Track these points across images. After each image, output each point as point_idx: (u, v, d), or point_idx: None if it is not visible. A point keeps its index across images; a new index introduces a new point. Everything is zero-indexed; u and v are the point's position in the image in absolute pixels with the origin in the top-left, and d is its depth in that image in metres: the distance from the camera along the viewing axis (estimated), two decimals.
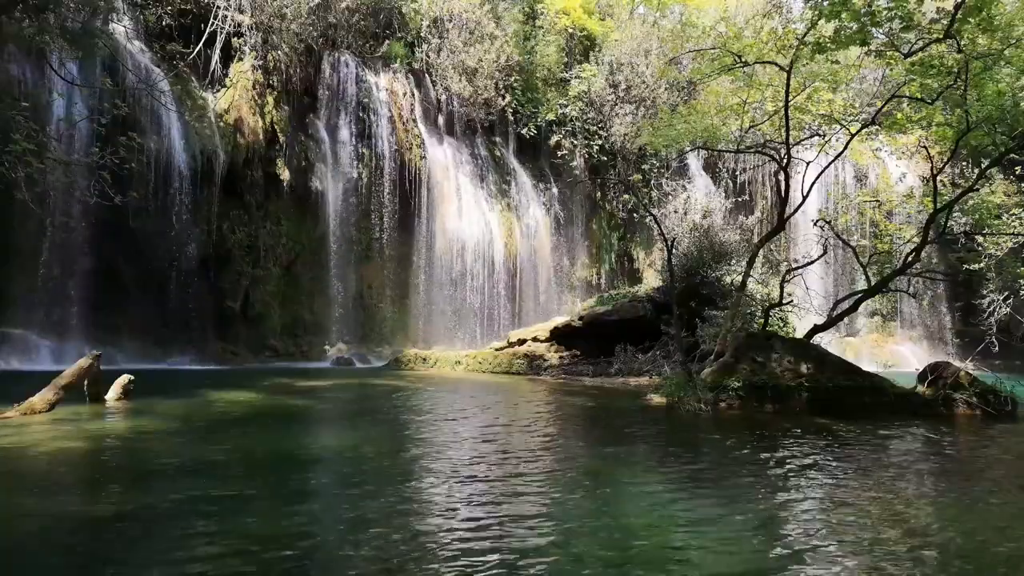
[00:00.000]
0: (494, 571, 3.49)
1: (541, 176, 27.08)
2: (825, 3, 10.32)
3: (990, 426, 9.24)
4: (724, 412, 9.94)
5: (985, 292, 21.66)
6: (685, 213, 20.94)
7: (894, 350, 25.98)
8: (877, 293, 13.64)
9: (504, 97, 25.40)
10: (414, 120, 23.78)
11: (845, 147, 13.76)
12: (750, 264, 13.48)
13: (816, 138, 14.20)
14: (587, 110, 26.70)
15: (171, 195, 18.03)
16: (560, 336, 18.48)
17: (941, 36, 10.44)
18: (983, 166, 12.29)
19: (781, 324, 16.95)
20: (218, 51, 19.89)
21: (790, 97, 12.00)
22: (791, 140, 12.61)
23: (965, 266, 18.72)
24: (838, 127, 13.81)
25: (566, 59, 27.48)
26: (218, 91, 20.06)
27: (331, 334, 21.33)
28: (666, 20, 27.56)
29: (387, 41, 24.14)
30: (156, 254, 17.86)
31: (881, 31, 11.14)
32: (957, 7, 9.90)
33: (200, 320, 18.59)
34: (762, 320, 14.26)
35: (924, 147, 14.38)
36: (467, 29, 24.72)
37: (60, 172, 14.32)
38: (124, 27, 18.35)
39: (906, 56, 11.02)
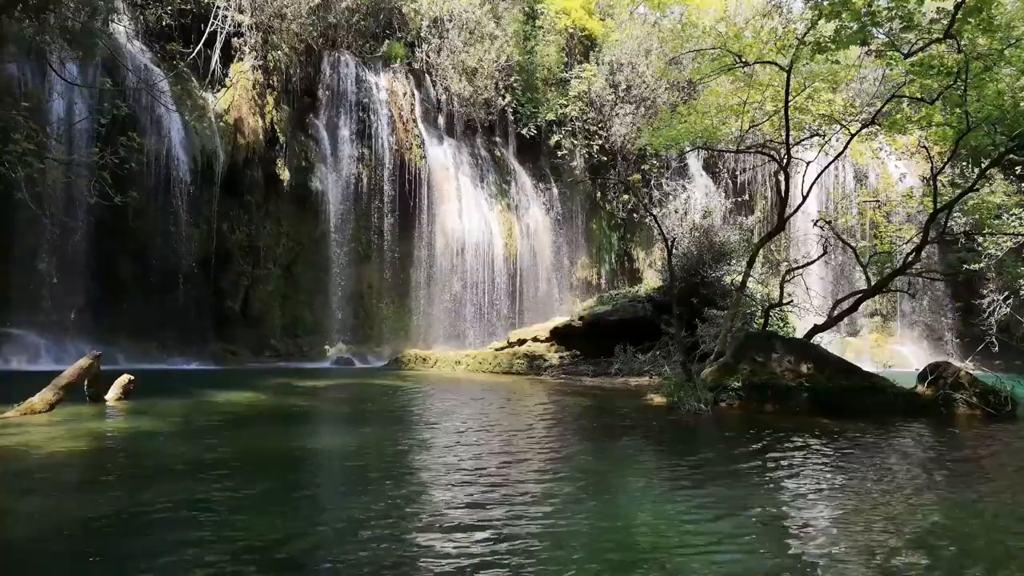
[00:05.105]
0: (492, 572, 3.49)
1: (541, 176, 27.08)
2: (825, 3, 10.32)
3: (990, 426, 9.24)
4: (724, 412, 9.94)
5: (985, 292, 21.64)
6: (685, 213, 20.99)
7: (894, 350, 25.99)
8: (877, 293, 13.64)
9: (504, 97, 25.40)
10: (414, 120, 23.78)
11: (845, 147, 13.76)
12: (750, 264, 13.48)
13: (816, 138, 14.19)
14: (587, 110, 26.70)
15: (171, 195, 18.03)
16: (560, 336, 18.48)
17: (941, 36, 10.43)
18: (983, 166, 12.28)
19: (781, 324, 16.96)
20: (218, 51, 19.90)
21: (790, 97, 11.99)
22: (791, 140, 12.60)
23: (965, 266, 18.70)
24: (838, 127, 13.81)
25: (566, 59, 27.48)
26: (218, 91, 20.06)
27: (331, 334, 21.34)
28: (666, 20, 27.57)
29: (387, 41, 24.14)
30: (156, 254, 17.87)
31: (881, 31, 11.13)
32: (957, 7, 9.90)
33: (200, 320, 18.60)
34: (762, 320, 14.27)
35: (924, 147, 14.37)
36: (467, 29, 24.72)
37: (60, 172, 14.33)
38: (124, 27, 18.36)
39: (906, 56, 11.02)
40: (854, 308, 13.89)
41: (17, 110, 12.78)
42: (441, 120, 24.98)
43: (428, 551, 3.79)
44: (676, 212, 21.23)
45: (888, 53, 11.51)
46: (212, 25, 19.55)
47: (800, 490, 5.49)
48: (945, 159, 13.97)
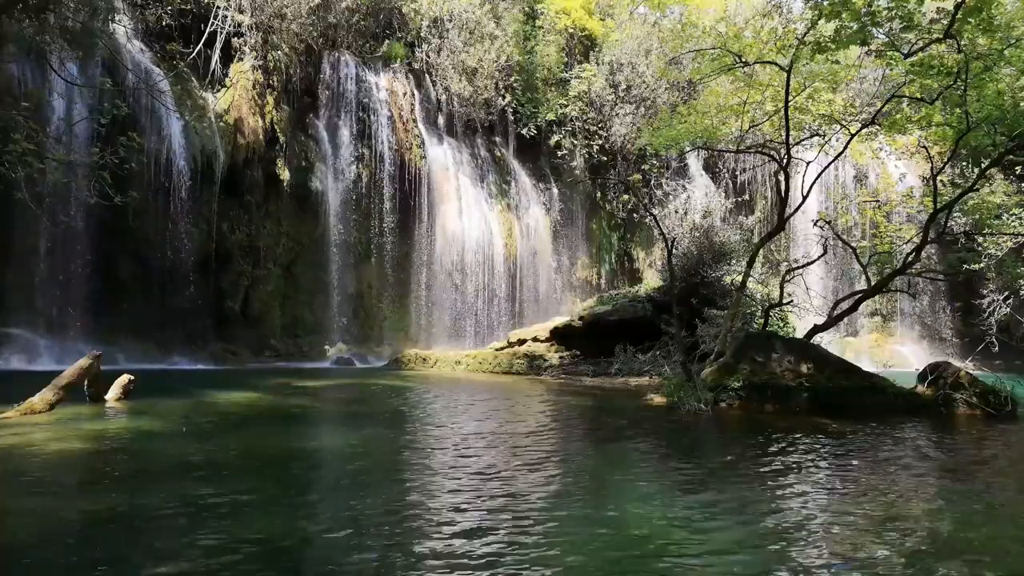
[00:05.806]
0: (492, 573, 3.48)
1: (541, 176, 27.08)
2: (825, 3, 10.32)
3: (990, 426, 9.24)
4: (724, 412, 9.94)
5: (985, 292, 21.64)
6: (685, 213, 20.99)
7: (894, 350, 25.98)
8: (877, 293, 13.64)
9: (504, 97, 25.40)
10: (414, 120, 23.79)
11: (845, 147, 13.75)
12: (750, 264, 13.48)
13: (816, 138, 14.20)
14: (587, 110, 26.70)
15: (171, 195, 18.03)
16: (560, 336, 18.48)
17: (941, 36, 10.43)
18: (983, 166, 12.28)
19: (781, 324, 16.97)
20: (218, 51, 19.89)
21: (790, 97, 11.99)
22: (791, 140, 12.60)
23: (965, 266, 18.69)
24: (838, 127, 13.81)
25: (566, 59, 27.47)
26: (218, 91, 20.06)
27: (331, 334, 21.34)
28: (666, 20, 27.56)
29: (387, 41, 24.14)
30: (156, 254, 17.87)
31: (881, 31, 11.13)
32: (957, 7, 9.90)
33: (200, 320, 18.61)
34: (762, 320, 14.27)
35: (924, 147, 14.37)
36: (467, 29, 24.72)
37: (60, 172, 14.33)
38: (124, 27, 18.35)
39: (906, 56, 11.01)
40: (854, 308, 13.90)
41: (17, 110, 12.79)
42: (441, 120, 24.98)
43: (428, 552, 3.78)
44: (676, 212, 21.24)
45: (888, 53, 11.51)
46: (212, 25, 19.55)
47: (800, 491, 5.48)
48: (945, 159, 13.96)
